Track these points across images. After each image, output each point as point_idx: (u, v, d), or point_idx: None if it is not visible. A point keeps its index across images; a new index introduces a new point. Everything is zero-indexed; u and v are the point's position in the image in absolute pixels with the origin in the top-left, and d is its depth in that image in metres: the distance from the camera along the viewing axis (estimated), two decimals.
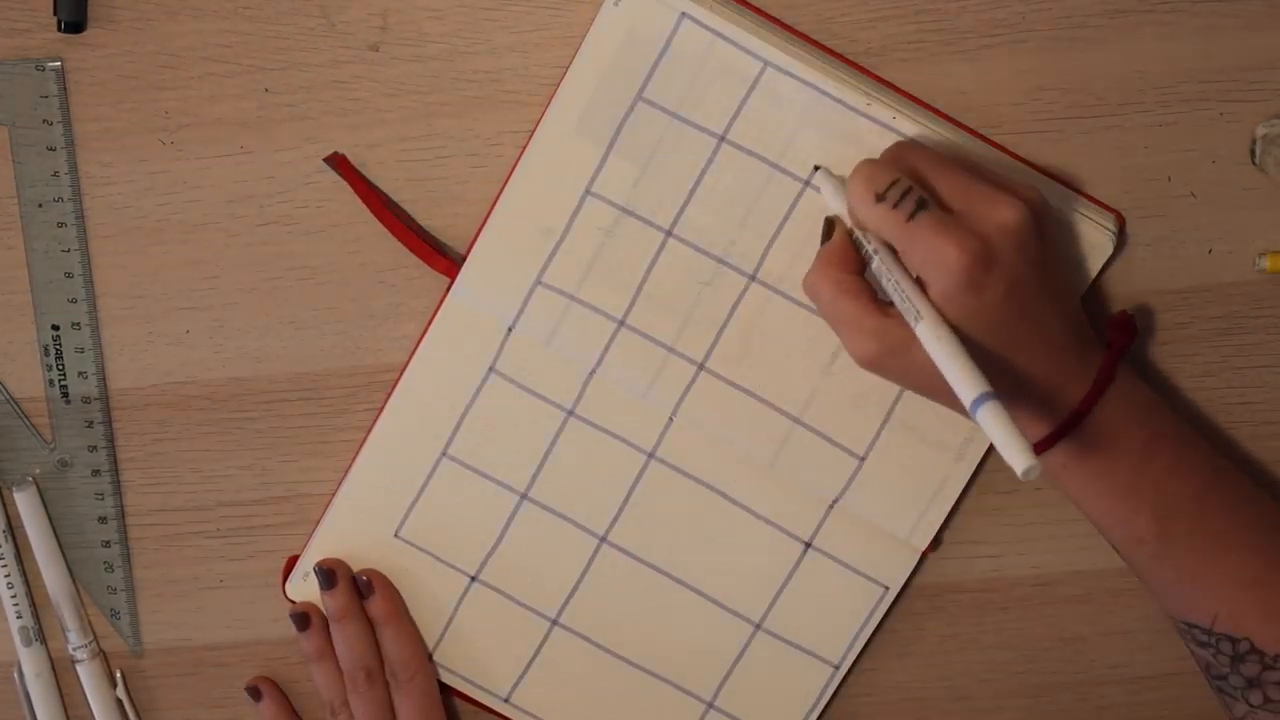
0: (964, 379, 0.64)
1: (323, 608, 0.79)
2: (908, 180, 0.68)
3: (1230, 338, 0.77)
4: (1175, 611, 0.72)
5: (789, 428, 0.76)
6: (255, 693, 0.81)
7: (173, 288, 0.79)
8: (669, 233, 0.75)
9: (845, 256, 0.70)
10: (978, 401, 0.63)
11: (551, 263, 0.76)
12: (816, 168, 0.74)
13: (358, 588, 0.78)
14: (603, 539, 0.77)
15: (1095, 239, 0.74)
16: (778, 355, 0.76)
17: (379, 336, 0.79)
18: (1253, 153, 0.76)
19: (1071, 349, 0.69)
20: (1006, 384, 0.67)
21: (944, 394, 0.66)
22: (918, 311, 0.66)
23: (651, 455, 0.77)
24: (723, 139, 0.74)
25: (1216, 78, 0.76)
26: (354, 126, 0.77)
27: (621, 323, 0.76)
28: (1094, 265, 0.75)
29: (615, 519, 0.77)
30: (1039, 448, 0.69)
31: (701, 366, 0.76)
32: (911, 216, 0.67)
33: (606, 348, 0.76)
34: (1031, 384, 0.69)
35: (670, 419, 0.77)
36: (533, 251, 0.76)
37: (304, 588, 0.79)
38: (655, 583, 0.78)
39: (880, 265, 0.68)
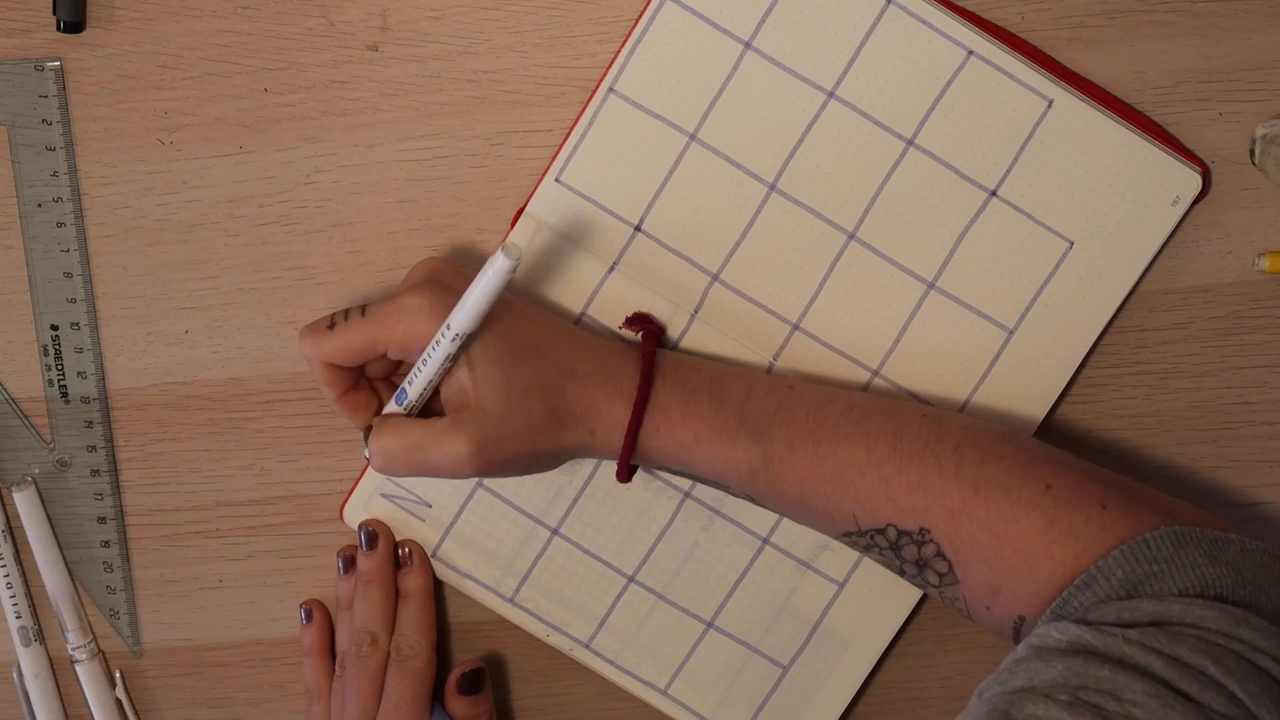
0: (480, 279, 0.68)
1: (358, 566, 0.79)
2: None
3: (1230, 338, 0.78)
4: (828, 530, 0.73)
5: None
6: (307, 613, 0.80)
7: (173, 288, 0.79)
8: None
9: (388, 418, 0.73)
10: (495, 261, 0.67)
11: None
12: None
13: (396, 557, 0.79)
14: None
15: (1184, 178, 0.75)
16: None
17: None
18: (1252, 153, 0.76)
19: (605, 365, 0.73)
20: (554, 417, 0.72)
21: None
22: (432, 346, 0.70)
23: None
24: None
25: (1216, 78, 0.76)
26: (354, 126, 0.77)
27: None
28: (1185, 202, 0.75)
29: None
30: (626, 448, 0.72)
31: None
32: (347, 316, 0.72)
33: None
34: (584, 406, 0.72)
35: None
36: None
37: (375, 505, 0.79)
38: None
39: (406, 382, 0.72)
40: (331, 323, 0.72)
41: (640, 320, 0.76)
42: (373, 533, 0.78)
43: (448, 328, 0.69)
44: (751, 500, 0.74)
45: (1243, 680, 0.59)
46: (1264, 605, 0.63)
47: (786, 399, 0.72)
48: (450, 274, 0.72)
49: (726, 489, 0.74)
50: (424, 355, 0.70)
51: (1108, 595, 0.64)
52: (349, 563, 0.79)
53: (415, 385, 0.72)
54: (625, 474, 0.74)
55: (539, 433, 0.71)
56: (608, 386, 0.72)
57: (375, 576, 0.78)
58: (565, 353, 0.72)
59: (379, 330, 0.71)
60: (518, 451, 0.71)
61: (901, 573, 0.72)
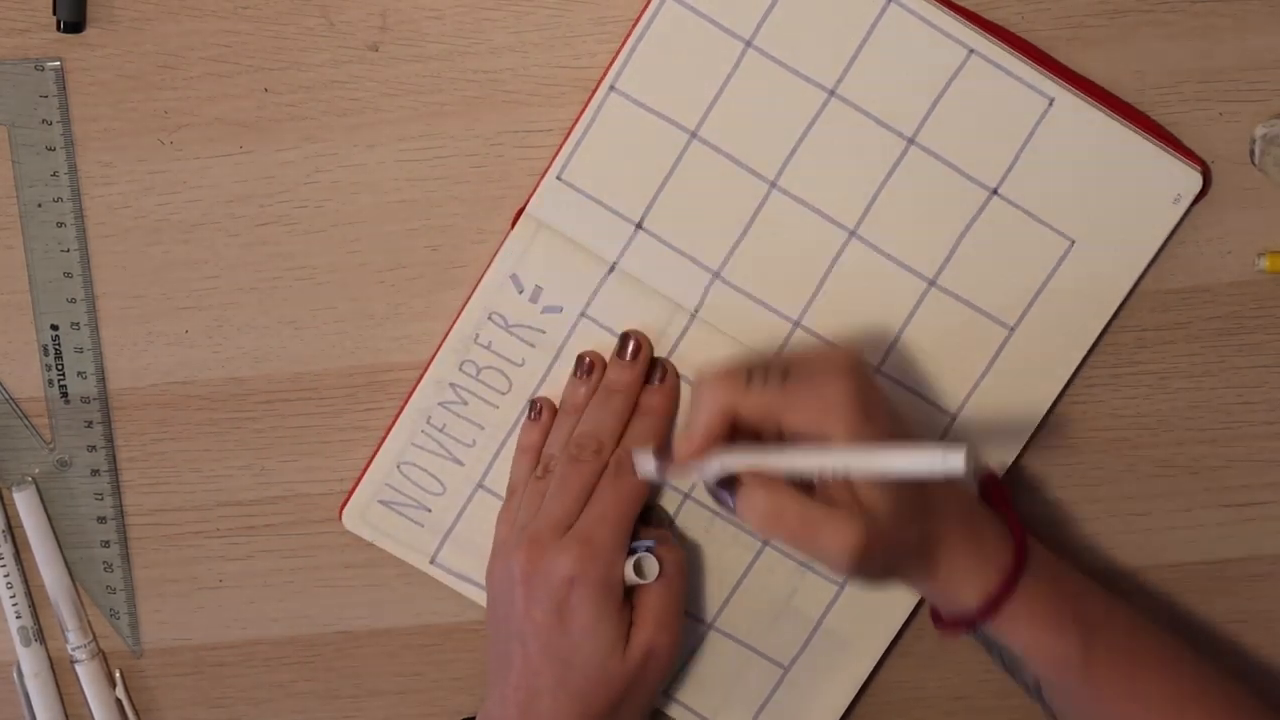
0: (922, 457, 0.64)
1: (607, 373, 0.77)
2: (760, 360, 0.71)
3: (1230, 338, 0.78)
4: None
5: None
6: (537, 411, 0.78)
7: (172, 288, 0.79)
8: None
9: (774, 478, 0.68)
10: (948, 456, 0.62)
11: None
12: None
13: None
14: None
15: (1184, 177, 0.75)
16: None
17: (379, 336, 0.79)
18: (1252, 153, 0.76)
19: (977, 533, 0.71)
20: (933, 545, 0.70)
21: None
22: (845, 465, 0.66)
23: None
24: None
25: (1216, 78, 0.76)
26: (354, 126, 0.77)
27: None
28: (1186, 200, 0.75)
29: None
30: (982, 614, 0.71)
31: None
32: (784, 380, 0.68)
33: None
34: (947, 562, 0.71)
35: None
36: None
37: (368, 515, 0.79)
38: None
39: (792, 459, 0.68)
40: (750, 377, 0.69)
41: (992, 485, 0.75)
42: (639, 345, 0.76)
43: (847, 467, 0.66)
44: (1031, 692, 0.74)
45: None
46: None
47: (1110, 612, 0.72)
48: (870, 387, 0.69)
49: (1017, 671, 0.74)
50: (806, 450, 0.68)
51: None
52: (590, 368, 0.76)
53: (785, 461, 0.68)
54: (950, 633, 0.73)
55: (906, 556, 0.70)
56: (974, 562, 0.70)
57: (625, 388, 0.76)
58: (938, 498, 0.70)
59: (790, 410, 0.68)
60: (886, 565, 0.69)
61: None
